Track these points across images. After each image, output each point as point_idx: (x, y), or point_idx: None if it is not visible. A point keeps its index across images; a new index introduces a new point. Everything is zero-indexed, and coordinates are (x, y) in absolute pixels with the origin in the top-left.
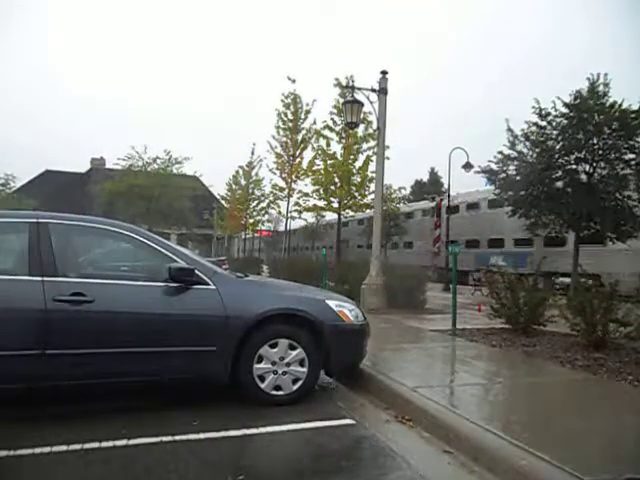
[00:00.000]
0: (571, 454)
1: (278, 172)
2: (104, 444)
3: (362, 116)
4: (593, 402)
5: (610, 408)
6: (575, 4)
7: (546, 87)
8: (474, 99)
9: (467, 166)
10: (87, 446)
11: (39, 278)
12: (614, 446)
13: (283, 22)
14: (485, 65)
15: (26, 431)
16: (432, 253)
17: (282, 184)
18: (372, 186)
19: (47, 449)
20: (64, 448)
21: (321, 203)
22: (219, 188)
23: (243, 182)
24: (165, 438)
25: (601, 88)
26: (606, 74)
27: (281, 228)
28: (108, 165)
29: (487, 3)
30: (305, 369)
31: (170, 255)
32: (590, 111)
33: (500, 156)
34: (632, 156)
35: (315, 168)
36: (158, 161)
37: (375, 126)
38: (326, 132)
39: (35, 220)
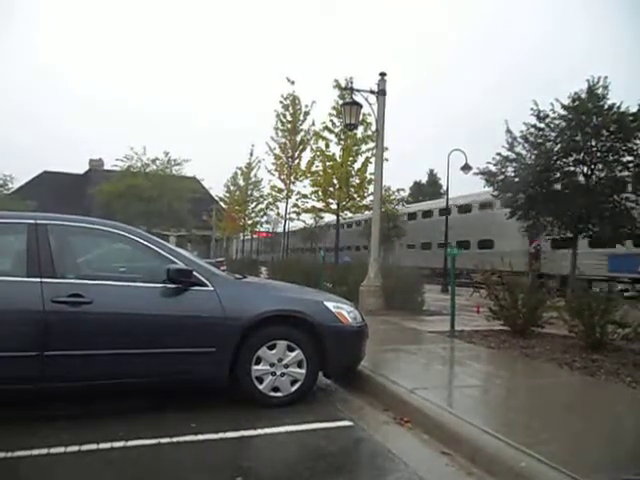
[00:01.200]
0: (570, 456)
1: (277, 173)
2: (102, 445)
3: (361, 117)
4: (591, 404)
5: (608, 410)
6: (575, 4)
7: (546, 88)
8: (474, 100)
9: (466, 168)
10: (85, 448)
11: (37, 279)
12: (613, 448)
13: (282, 23)
14: (485, 65)
15: (24, 433)
16: (529, 255)
17: (281, 185)
18: (371, 188)
19: (45, 451)
20: (62, 450)
21: (320, 204)
22: (218, 190)
23: (242, 183)
24: (163, 440)
25: (600, 90)
26: (605, 77)
27: (280, 229)
28: (107, 166)
29: (487, 3)
30: (303, 370)
31: (168, 256)
32: (588, 113)
33: (499, 158)
34: (630, 158)
35: (314, 169)
36: (157, 162)
37: (374, 128)
38: (325, 133)
39: (33, 221)
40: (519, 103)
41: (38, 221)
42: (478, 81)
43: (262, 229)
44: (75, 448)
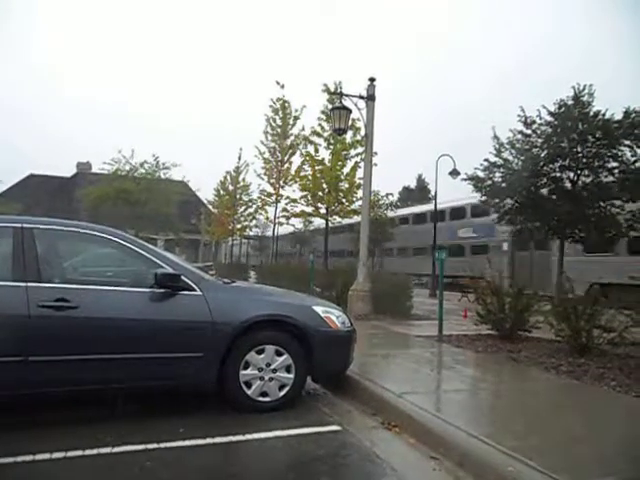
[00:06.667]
0: (557, 459)
1: (266, 177)
2: (88, 452)
3: (350, 122)
4: (577, 408)
5: (594, 414)
6: (575, 5)
7: (542, 91)
8: (466, 105)
9: (454, 173)
10: (70, 454)
11: (23, 284)
12: (598, 452)
13: (280, 23)
14: (481, 69)
15: (8, 439)
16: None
17: (270, 190)
18: (360, 192)
19: (29, 457)
20: (47, 456)
21: (309, 209)
22: (208, 192)
23: (230, 187)
24: (150, 445)
25: (585, 98)
26: (591, 84)
27: (269, 233)
28: (94, 169)
29: (485, 5)
30: (291, 375)
31: (156, 261)
32: (574, 120)
33: (486, 163)
34: (615, 164)
35: (303, 174)
36: (145, 166)
37: (363, 132)
38: (314, 138)
39: (19, 225)
40: (513, 107)
41: (24, 225)
42: (472, 85)
43: (251, 233)
44: (61, 455)
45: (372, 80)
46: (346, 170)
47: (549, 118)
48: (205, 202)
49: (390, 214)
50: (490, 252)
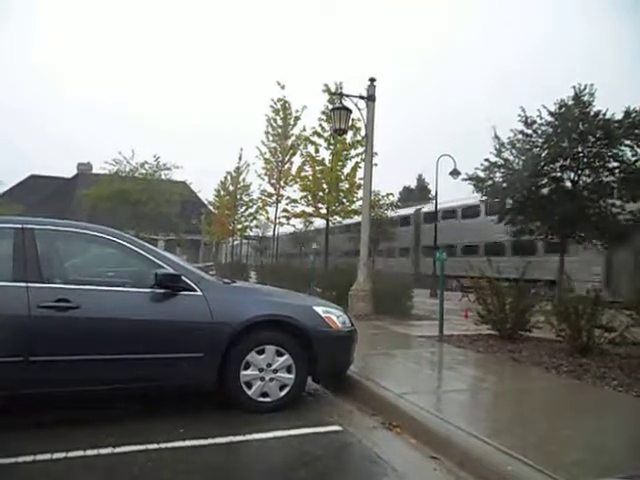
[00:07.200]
0: (557, 459)
1: (267, 178)
2: (89, 452)
3: (350, 122)
4: (578, 407)
5: (595, 413)
6: (575, 5)
7: (543, 91)
8: (466, 105)
9: (454, 173)
10: (71, 454)
11: (23, 284)
12: (598, 452)
13: (279, 23)
14: (481, 69)
15: (9, 440)
16: None
17: (271, 190)
18: (360, 192)
19: (30, 458)
20: (48, 457)
21: (309, 209)
22: (209, 192)
23: (231, 188)
24: (151, 446)
25: (586, 97)
26: (592, 84)
27: (269, 234)
28: (95, 170)
29: (485, 5)
30: (292, 375)
31: (157, 261)
32: (574, 120)
33: (487, 163)
34: (616, 164)
35: (303, 174)
36: (146, 166)
37: (363, 132)
38: (315, 138)
39: (20, 226)
40: (513, 107)
41: (25, 225)
42: (472, 85)
43: (252, 234)
44: (61, 455)
45: (372, 80)
46: (346, 170)
47: (549, 118)
48: (206, 202)
49: (437, 206)
50: (572, 250)
